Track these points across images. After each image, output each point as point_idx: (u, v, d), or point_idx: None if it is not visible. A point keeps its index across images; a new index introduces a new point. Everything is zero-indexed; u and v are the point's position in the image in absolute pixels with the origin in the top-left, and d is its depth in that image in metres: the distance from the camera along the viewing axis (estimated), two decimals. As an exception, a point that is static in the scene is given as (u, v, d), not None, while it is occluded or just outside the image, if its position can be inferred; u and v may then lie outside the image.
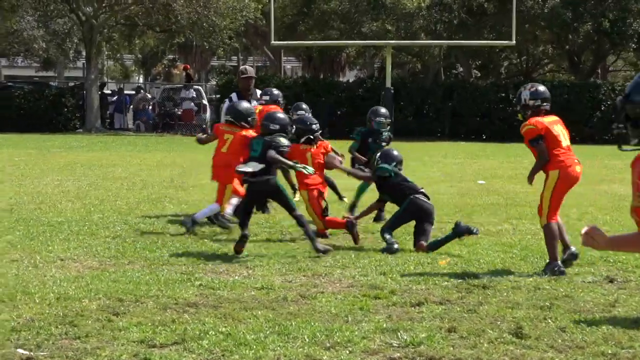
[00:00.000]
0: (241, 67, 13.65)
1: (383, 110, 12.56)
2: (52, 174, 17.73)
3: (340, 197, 12.74)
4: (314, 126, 10.81)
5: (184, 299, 7.13)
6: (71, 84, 41.88)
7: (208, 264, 8.69)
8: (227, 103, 12.43)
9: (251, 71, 12.87)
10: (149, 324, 6.34)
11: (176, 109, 38.24)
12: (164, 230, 10.82)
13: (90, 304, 6.91)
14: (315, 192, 10.39)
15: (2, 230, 10.46)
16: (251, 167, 9.28)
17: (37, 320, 6.39)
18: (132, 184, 16.21)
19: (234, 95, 12.51)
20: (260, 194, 9.61)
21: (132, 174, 18.06)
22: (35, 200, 13.50)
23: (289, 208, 9.40)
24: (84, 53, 41.08)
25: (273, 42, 31.43)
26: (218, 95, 37.52)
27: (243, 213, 9.50)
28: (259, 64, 62.24)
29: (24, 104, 36.17)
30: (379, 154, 10.49)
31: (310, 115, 12.20)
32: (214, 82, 47.00)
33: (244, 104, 11.21)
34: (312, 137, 10.71)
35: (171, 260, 8.87)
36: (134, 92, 42.19)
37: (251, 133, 10.52)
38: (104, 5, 37.15)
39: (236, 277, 8.08)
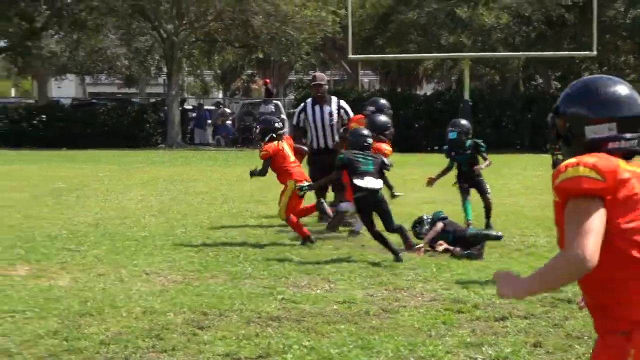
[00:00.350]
0: (313, 74, 13.88)
1: (462, 121, 12.49)
2: (136, 189, 18.04)
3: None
4: (276, 124, 11.65)
5: (267, 313, 7.19)
6: (152, 100, 42.58)
7: (290, 278, 8.74)
8: (300, 107, 12.74)
9: (321, 78, 13.04)
10: (234, 338, 6.41)
11: (255, 124, 38.56)
12: (246, 244, 10.91)
13: (176, 317, 7.02)
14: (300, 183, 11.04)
15: (89, 245, 10.68)
16: (377, 185, 9.94)
17: (125, 334, 6.51)
18: (213, 198, 16.40)
19: (308, 102, 12.88)
20: (369, 204, 9.95)
21: (212, 189, 18.27)
22: (120, 215, 13.75)
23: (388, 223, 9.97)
24: (165, 70, 41.74)
25: (350, 56, 31.49)
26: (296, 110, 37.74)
27: (370, 226, 9.92)
28: (337, 78, 62.42)
29: (107, 121, 36.89)
30: (425, 220, 11.07)
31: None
32: (292, 97, 47.26)
33: (382, 118, 11.61)
34: (274, 134, 11.46)
35: (253, 274, 8.95)
36: (214, 107, 42.69)
37: (385, 147, 11.22)
38: (184, 22, 37.72)
39: (318, 291, 8.12)
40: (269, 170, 11.48)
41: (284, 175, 11.29)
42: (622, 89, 3.28)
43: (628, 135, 3.22)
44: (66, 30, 38.97)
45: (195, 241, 11.09)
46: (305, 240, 10.85)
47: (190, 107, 43.37)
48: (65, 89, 54.31)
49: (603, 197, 3.05)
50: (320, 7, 37.43)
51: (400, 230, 9.98)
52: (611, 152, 3.19)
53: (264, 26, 36.66)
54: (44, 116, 36.80)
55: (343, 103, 12.86)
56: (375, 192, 9.90)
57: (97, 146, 34.18)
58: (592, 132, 3.23)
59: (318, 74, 13.66)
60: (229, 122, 40.06)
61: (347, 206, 11.21)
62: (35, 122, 36.52)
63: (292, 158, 11.40)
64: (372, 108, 12.31)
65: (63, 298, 7.67)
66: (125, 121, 36.85)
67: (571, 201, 3.07)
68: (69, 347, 6.18)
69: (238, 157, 30.63)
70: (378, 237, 9.89)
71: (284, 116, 38.14)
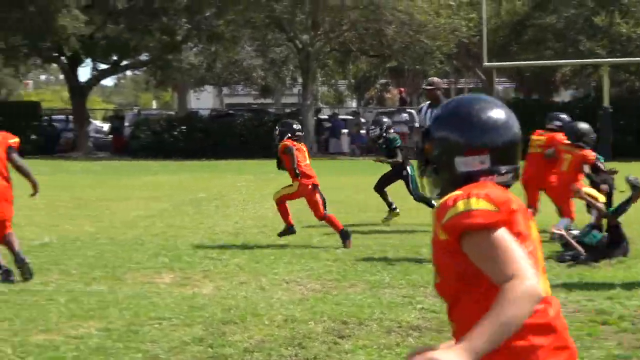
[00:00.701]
0: (427, 79, 14.21)
1: (580, 125, 12.27)
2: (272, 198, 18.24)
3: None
4: (294, 126, 12.58)
5: (407, 322, 7.18)
6: (288, 110, 43.08)
7: (428, 287, 8.69)
8: (422, 111, 13.11)
9: (431, 82, 13.34)
10: (374, 347, 6.43)
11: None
12: (383, 252, 10.93)
13: (316, 326, 7.08)
14: (310, 187, 12.04)
15: (230, 254, 10.89)
16: None
17: (268, 342, 6.62)
18: (349, 207, 16.48)
19: (424, 105, 13.19)
20: None
21: (348, 197, 18.37)
22: (258, 224, 13.99)
23: None
24: (299, 80, 42.19)
25: (485, 63, 31.17)
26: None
27: None
28: (471, 86, 61.83)
29: (244, 131, 37.55)
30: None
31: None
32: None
33: (583, 125, 11.83)
34: (292, 135, 12.32)
35: (392, 283, 8.96)
36: (349, 117, 42.96)
37: (589, 153, 11.39)
38: (319, 32, 38.08)
39: (457, 301, 8.05)
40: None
41: (295, 172, 12.07)
42: (498, 113, 2.84)
43: (503, 169, 2.82)
44: (204, 43, 39.90)
45: (333, 250, 11.18)
46: (287, 231, 12.02)
47: (326, 116, 43.76)
48: (203, 100, 55.57)
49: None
50: (454, 14, 37.18)
51: None
52: None
53: (397, 35, 36.66)
54: (183, 127, 37.75)
55: (557, 123, 12.98)
56: None
57: (234, 156, 34.82)
58: (462, 164, 2.82)
59: (431, 78, 14.01)
60: (362, 131, 40.20)
61: (566, 222, 11.30)
62: (175, 133, 37.51)
63: (308, 161, 12.31)
64: (559, 123, 12.62)
65: (207, 306, 7.85)
66: (261, 131, 37.41)
67: (476, 236, 2.63)
68: (214, 354, 6.32)
69: (373, 166, 30.65)
70: None
71: (417, 125, 38.05)
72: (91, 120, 44.72)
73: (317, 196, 12.07)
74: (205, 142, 36.96)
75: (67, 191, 20.24)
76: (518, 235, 2.68)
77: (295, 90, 53.36)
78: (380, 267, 9.86)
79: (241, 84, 48.83)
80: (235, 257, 10.61)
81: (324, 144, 40.10)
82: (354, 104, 63.78)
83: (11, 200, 9.40)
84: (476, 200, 2.65)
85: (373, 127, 15.12)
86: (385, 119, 15.29)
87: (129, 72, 61.66)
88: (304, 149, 12.42)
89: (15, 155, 9.45)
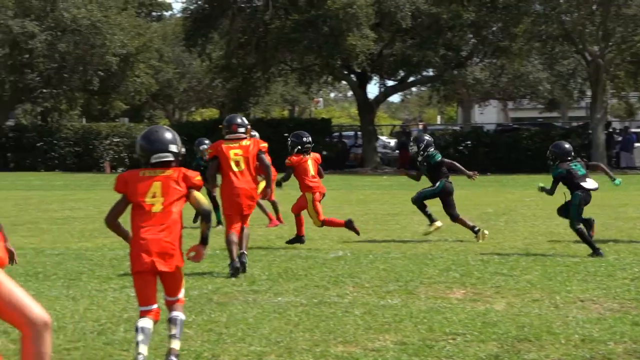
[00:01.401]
0: None
1: None
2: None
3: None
4: (304, 139, 13.06)
5: None
6: (575, 123, 42.00)
7: None
8: None
9: None
10: (680, 372, 6.13)
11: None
12: (685, 273, 10.39)
13: (616, 347, 6.85)
14: (317, 194, 12.81)
15: (521, 270, 10.75)
16: (595, 185, 11.87)
17: (565, 361, 6.48)
18: (624, 220, 15.83)
19: None
20: (586, 202, 11.86)
21: (622, 214, 17.66)
22: (548, 240, 13.73)
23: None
24: (588, 93, 40.99)
25: None
26: None
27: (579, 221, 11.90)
28: None
29: (530, 145, 37.10)
30: None
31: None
32: None
33: None
34: (301, 147, 12.98)
35: (696, 305, 8.50)
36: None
37: None
38: (610, 43, 36.85)
39: None
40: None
41: (302, 185, 12.85)
42: None
43: None
44: (490, 57, 39.73)
45: (630, 269, 10.76)
46: (296, 240, 12.91)
47: (618, 130, 42.34)
48: (486, 115, 55.36)
49: None
50: None
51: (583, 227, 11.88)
52: None
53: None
54: (469, 142, 37.84)
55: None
56: (592, 191, 11.81)
57: (520, 171, 34.44)
58: None
59: None
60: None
61: None
62: (461, 147, 37.68)
63: (312, 173, 12.87)
64: None
65: (500, 322, 7.79)
66: (548, 146, 36.74)
67: None
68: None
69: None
70: (581, 234, 11.76)
71: None
72: (378, 136, 45.75)
73: (318, 205, 12.82)
74: (491, 156, 36.87)
75: (358, 205, 20.82)
76: None
77: (582, 104, 51.95)
78: (682, 288, 9.38)
79: (527, 97, 48.14)
80: (526, 274, 10.46)
81: (615, 158, 38.72)
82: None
83: (255, 199, 10.63)
84: None
85: (412, 144, 14.48)
86: (426, 136, 14.56)
87: (414, 89, 62.57)
88: (313, 159, 13.02)
89: (263, 156, 10.58)
